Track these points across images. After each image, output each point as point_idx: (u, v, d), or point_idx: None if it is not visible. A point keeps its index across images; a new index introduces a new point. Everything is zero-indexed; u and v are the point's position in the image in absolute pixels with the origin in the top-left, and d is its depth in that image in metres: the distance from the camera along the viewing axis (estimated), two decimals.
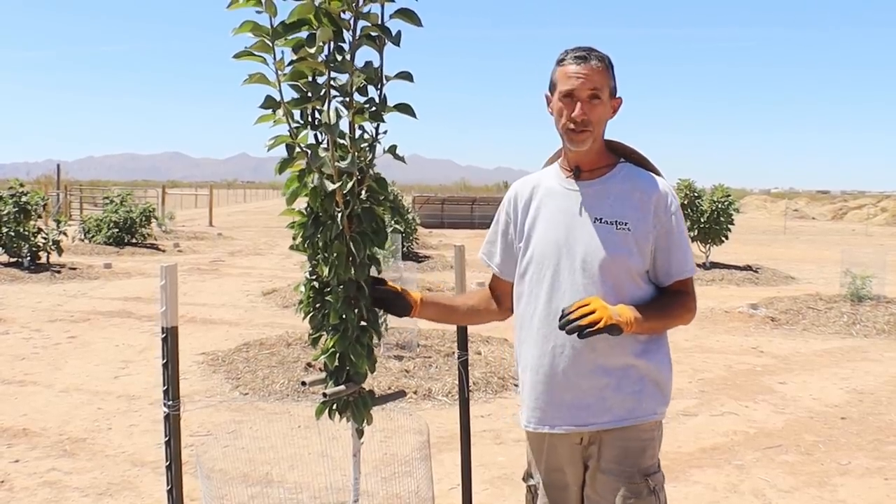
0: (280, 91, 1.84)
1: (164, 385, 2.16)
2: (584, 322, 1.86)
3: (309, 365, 6.44)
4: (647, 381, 2.06)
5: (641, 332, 2.02)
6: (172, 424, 2.17)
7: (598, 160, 2.12)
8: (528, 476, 2.26)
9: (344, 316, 1.99)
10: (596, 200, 2.08)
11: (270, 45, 1.79)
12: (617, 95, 2.11)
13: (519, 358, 2.22)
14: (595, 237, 2.04)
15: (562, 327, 1.89)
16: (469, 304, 2.36)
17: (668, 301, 2.09)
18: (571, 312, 1.89)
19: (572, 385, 2.05)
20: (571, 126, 2.04)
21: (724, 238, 14.93)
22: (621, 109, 2.14)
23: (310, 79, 1.88)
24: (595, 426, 2.05)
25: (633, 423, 2.04)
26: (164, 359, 2.15)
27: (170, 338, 2.14)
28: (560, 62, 2.08)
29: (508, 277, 2.27)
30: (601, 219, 2.06)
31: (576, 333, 1.87)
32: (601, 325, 1.87)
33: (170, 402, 2.16)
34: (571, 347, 2.03)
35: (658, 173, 2.16)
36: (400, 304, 2.13)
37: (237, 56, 1.82)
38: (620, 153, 2.18)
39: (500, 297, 2.34)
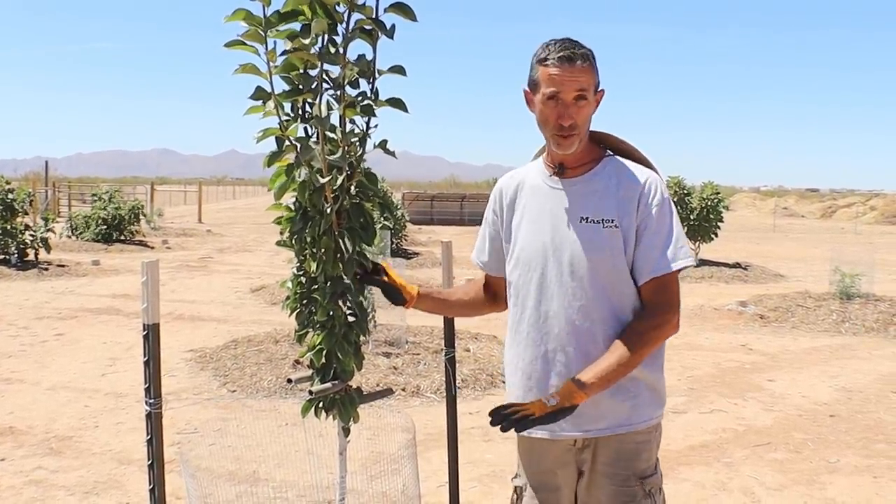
0: (271, 82, 1.82)
1: (145, 383, 2.13)
2: (517, 416, 1.80)
3: (297, 362, 6.40)
4: (644, 386, 1.99)
5: (605, 388, 1.88)
6: (154, 423, 2.15)
7: (583, 156, 2.03)
8: (515, 476, 2.20)
9: (331, 313, 1.96)
10: (581, 199, 2.00)
11: (263, 34, 1.76)
12: (599, 87, 1.99)
13: (509, 360, 2.13)
14: (581, 238, 1.96)
15: (493, 423, 1.81)
16: (465, 298, 2.30)
17: (630, 334, 1.92)
18: (505, 409, 1.82)
19: None
20: (558, 131, 1.94)
21: (713, 235, 15.00)
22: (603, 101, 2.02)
23: (301, 71, 1.85)
24: (590, 432, 1.98)
25: (628, 430, 1.98)
26: (145, 356, 2.13)
27: (151, 335, 2.11)
28: (543, 61, 1.93)
29: (499, 274, 2.22)
30: (587, 218, 1.97)
31: (512, 428, 1.79)
32: (537, 414, 1.80)
33: (151, 400, 2.13)
34: (564, 353, 1.97)
35: (648, 164, 2.06)
36: (396, 295, 2.11)
37: (229, 45, 1.79)
38: (607, 145, 2.09)
39: (495, 292, 2.29)
